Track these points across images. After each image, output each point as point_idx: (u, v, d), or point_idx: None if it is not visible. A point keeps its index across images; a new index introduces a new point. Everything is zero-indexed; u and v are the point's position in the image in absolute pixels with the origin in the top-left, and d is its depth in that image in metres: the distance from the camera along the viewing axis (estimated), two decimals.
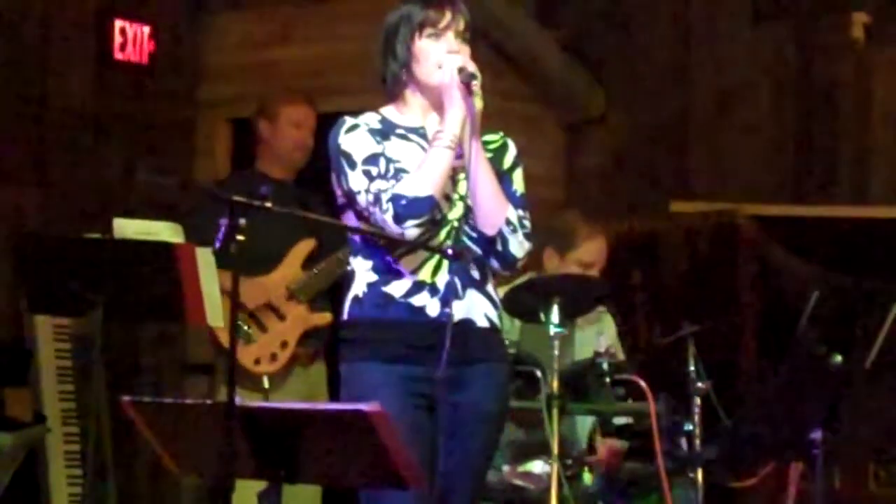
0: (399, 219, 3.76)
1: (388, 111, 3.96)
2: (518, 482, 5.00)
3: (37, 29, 6.65)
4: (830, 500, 4.34)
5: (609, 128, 7.38)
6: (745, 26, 7.23)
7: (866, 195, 7.01)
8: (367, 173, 3.82)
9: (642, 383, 4.77)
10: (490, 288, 3.95)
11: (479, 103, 3.81)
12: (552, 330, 4.68)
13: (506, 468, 5.01)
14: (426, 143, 3.89)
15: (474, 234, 3.90)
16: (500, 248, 3.89)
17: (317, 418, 3.31)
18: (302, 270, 5.51)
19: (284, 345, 5.45)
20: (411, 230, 3.77)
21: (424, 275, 3.86)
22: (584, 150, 7.43)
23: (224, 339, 5.15)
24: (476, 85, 3.80)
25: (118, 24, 6.87)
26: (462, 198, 3.87)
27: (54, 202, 6.62)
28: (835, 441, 4.12)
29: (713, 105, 7.26)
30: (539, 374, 4.71)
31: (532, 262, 4.87)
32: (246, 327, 5.37)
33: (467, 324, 3.86)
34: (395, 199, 3.76)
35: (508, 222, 3.88)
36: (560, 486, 4.62)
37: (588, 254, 5.31)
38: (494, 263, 3.93)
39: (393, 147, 3.88)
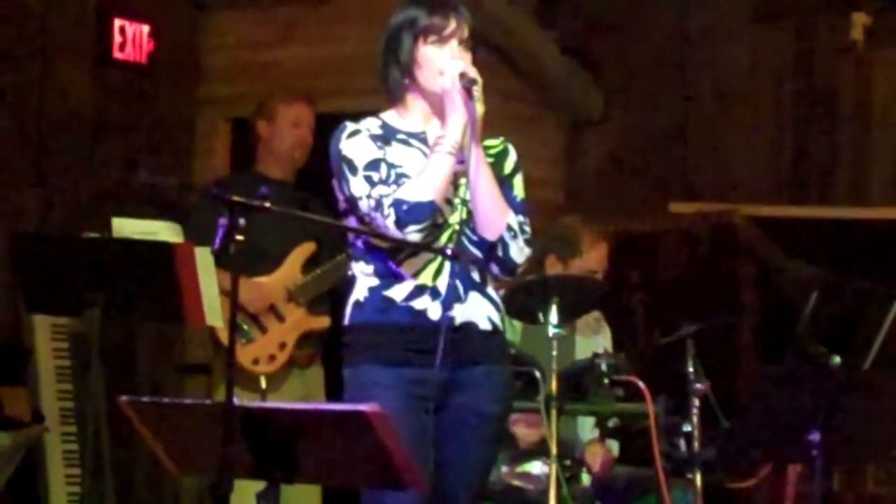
0: (401, 224, 3.75)
1: (390, 116, 3.96)
2: (517, 483, 5.00)
3: (37, 28, 6.64)
4: (829, 502, 4.33)
5: (608, 129, 7.38)
6: (745, 26, 7.23)
7: (865, 196, 7.01)
8: (368, 179, 3.82)
9: (641, 384, 4.77)
10: (491, 290, 3.95)
11: (480, 109, 3.80)
12: (551, 331, 4.68)
13: (504, 469, 5.01)
14: (427, 148, 3.88)
15: (475, 238, 3.90)
16: (500, 253, 3.89)
17: (316, 418, 3.30)
18: (301, 273, 5.51)
19: (283, 346, 5.45)
20: (413, 235, 3.77)
21: (426, 278, 3.86)
22: (584, 151, 7.43)
23: (224, 338, 5.15)
24: (477, 90, 3.79)
25: (117, 23, 6.85)
26: (464, 202, 3.86)
27: (54, 202, 6.62)
28: (833, 442, 4.12)
29: (713, 105, 7.26)
30: (538, 374, 4.71)
31: (533, 269, 4.88)
32: (246, 327, 5.36)
33: (469, 326, 3.87)
34: (396, 204, 3.76)
35: (509, 228, 3.88)
36: (559, 486, 4.63)
37: (592, 262, 5.31)
38: (494, 268, 3.93)
39: (394, 152, 3.88)
